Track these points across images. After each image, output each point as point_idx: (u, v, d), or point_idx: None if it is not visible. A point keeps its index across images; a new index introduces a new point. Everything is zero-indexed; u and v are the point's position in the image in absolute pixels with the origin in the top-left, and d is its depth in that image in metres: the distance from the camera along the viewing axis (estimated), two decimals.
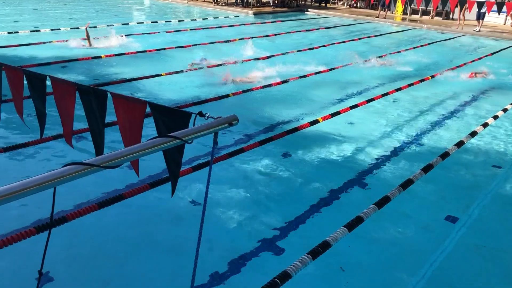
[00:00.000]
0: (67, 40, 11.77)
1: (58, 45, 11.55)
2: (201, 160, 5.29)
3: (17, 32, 12.89)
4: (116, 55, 10.72)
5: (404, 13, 22.54)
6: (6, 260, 3.53)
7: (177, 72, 9.49)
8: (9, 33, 12.70)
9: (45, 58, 9.88)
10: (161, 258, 3.76)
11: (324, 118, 6.88)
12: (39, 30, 13.46)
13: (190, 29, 15.35)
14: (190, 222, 4.18)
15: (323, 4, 25.80)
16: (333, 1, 26.88)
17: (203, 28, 15.76)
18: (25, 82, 3.28)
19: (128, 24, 15.76)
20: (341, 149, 6.15)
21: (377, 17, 21.08)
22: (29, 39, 11.83)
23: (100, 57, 10.41)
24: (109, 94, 2.61)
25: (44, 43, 11.52)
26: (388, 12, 21.99)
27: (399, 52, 13.53)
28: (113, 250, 3.85)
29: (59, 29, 13.85)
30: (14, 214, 4.03)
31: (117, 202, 4.22)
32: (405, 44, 15.26)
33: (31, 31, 13.23)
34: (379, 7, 21.56)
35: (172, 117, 2.29)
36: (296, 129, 6.45)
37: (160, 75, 9.15)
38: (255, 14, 20.70)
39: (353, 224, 3.81)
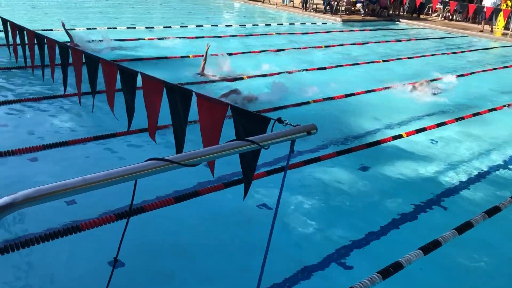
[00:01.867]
0: (159, 38, 12.39)
1: (152, 42, 12.18)
2: (276, 165, 5.29)
3: (115, 28, 13.79)
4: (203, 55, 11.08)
5: (506, 28, 21.03)
6: (85, 243, 3.76)
7: (259, 75, 9.60)
8: (108, 28, 13.63)
9: (138, 55, 10.46)
10: (227, 258, 3.80)
11: (409, 134, 6.59)
12: (135, 27, 14.30)
13: (276, 33, 15.49)
14: (258, 226, 4.19)
15: (416, 15, 24.82)
16: (427, 12, 25.77)
17: (289, 33, 15.83)
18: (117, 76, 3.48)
19: (217, 26, 16.25)
20: (422, 168, 5.85)
21: (481, 31, 19.88)
22: (125, 35, 12.61)
23: (188, 56, 10.82)
24: (193, 94, 2.69)
25: (138, 39, 12.22)
26: (488, 26, 20.63)
27: (496, 69, 12.64)
28: (181, 244, 3.96)
29: (153, 27, 14.62)
30: (95, 201, 4.27)
31: (192, 198, 4.35)
32: (502, 61, 14.22)
33: (127, 28, 14.09)
34: (482, 20, 20.27)
35: (251, 121, 2.30)
36: (377, 142, 6.24)
37: (242, 78, 9.31)
38: (344, 21, 20.40)
39: (430, 247, 3.61)
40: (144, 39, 12.42)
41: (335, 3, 22.27)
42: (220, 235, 4.15)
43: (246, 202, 4.49)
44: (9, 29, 6.04)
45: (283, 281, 3.53)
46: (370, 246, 4.14)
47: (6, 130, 5.64)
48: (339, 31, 17.80)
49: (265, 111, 7.01)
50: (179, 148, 2.96)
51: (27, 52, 5.58)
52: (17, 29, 5.50)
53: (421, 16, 24.86)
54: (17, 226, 3.77)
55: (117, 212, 3.88)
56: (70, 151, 5.22)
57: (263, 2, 24.94)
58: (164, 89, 2.96)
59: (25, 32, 5.32)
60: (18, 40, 5.71)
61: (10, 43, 6.39)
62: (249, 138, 1.88)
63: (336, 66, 11.03)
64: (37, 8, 17.03)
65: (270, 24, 18.04)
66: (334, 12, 22.10)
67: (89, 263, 3.52)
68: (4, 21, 5.99)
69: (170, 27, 14.82)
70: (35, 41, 5.00)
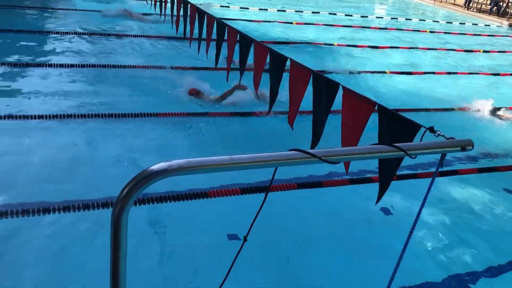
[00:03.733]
0: (307, 23, 12.45)
1: (300, 27, 12.30)
2: (405, 171, 5.01)
3: (266, 10, 14.19)
4: (348, 45, 10.88)
5: None
6: (210, 211, 4.00)
7: (404, 72, 9.12)
8: (260, 9, 14.08)
9: (285, 37, 10.65)
10: (340, 255, 3.73)
11: None
12: (284, 11, 14.56)
13: (430, 31, 14.52)
14: (377, 229, 4.05)
15: None
16: None
17: (445, 32, 14.72)
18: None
19: (367, 17, 15.78)
20: None
21: None
22: (275, 17, 12.91)
23: (332, 44, 10.71)
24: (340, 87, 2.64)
25: (286, 23, 12.42)
26: None
27: None
28: (297, 232, 3.97)
29: (302, 11, 14.72)
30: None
31: (315, 188, 4.35)
32: None
33: (278, 10, 14.40)
34: None
35: (398, 125, 2.19)
36: None
37: (385, 72, 8.95)
38: (511, 26, 18.32)
39: None
40: (292, 23, 12.59)
41: (504, 4, 20.06)
42: (337, 231, 4.09)
43: (367, 203, 4.35)
44: (175, 2, 6.57)
45: None
46: (500, 279, 3.74)
47: (161, 92, 6.22)
48: (504, 36, 16.02)
49: (403, 110, 6.65)
50: (315, 140, 2.95)
51: (187, 26, 6.03)
52: (182, 2, 5.95)
53: None
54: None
55: (242, 187, 4.05)
56: (209, 122, 5.56)
57: None
58: (311, 78, 2.96)
59: (188, 6, 5.74)
60: (181, 12, 6.21)
61: (173, 14, 6.96)
62: (396, 145, 1.79)
63: (493, 74, 9.99)
64: None
65: (424, 20, 16.97)
66: (502, 14, 19.93)
67: (210, 232, 3.74)
68: None
69: (319, 12, 14.79)
70: (196, 16, 5.37)
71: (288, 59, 3.28)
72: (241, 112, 5.80)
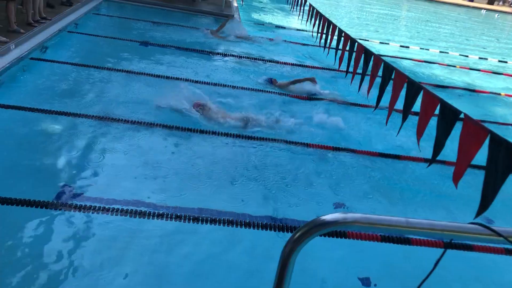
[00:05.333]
0: (472, 69, 11.67)
1: (464, 71, 11.60)
2: None
3: (427, 50, 13.66)
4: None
5: None
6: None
7: None
8: (420, 48, 13.62)
9: (449, 82, 10.12)
10: None
11: None
12: (447, 52, 13.85)
13: None
14: None
15: None
16: None
17: None
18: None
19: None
20: None
21: None
22: (437, 58, 12.36)
23: (499, 94, 9.83)
24: None
25: (451, 66, 11.80)
26: None
27: None
28: None
29: (467, 56, 13.84)
30: None
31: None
32: None
33: (440, 52, 13.76)
34: None
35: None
36: None
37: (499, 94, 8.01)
38: None
39: None
40: (455, 66, 11.91)
41: None
42: None
43: None
44: (342, 38, 6.70)
45: None
46: None
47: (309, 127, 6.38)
48: None
49: None
50: (483, 205, 2.74)
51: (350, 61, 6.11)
52: (350, 40, 6.05)
53: None
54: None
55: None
56: (354, 159, 5.52)
57: None
58: (488, 138, 2.77)
59: (356, 44, 5.81)
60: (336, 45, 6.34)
61: (338, 48, 7.10)
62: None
63: None
64: (360, 19, 18.38)
65: None
66: None
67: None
68: (340, 31, 6.68)
69: (487, 59, 13.74)
70: (363, 55, 5.41)
71: (462, 113, 3.12)
72: (384, 154, 5.65)
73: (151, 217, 3.83)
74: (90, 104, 5.84)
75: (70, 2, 10.25)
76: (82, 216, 3.74)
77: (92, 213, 3.78)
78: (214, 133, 5.58)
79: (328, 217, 1.63)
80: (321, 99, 7.41)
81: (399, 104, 4.27)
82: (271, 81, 7.71)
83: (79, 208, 3.80)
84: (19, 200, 3.73)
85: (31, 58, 6.99)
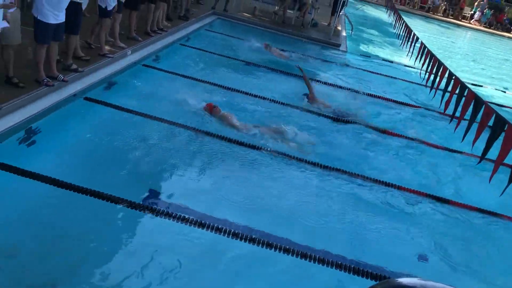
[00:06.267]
0: None
1: None
2: None
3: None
4: None
5: None
6: None
7: None
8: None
9: None
10: None
11: None
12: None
13: None
14: None
15: None
16: None
17: None
18: None
19: None
20: None
21: None
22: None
23: None
24: None
25: None
26: None
27: None
28: None
29: None
30: None
31: None
32: None
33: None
34: None
35: None
36: None
37: None
38: None
39: None
40: None
41: None
42: None
43: None
44: (451, 82, 6.32)
45: None
46: None
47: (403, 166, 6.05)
48: None
49: None
50: None
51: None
52: (460, 84, 5.68)
53: None
54: None
55: None
56: (445, 208, 5.12)
57: None
58: None
59: (466, 90, 5.42)
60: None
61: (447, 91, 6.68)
62: None
63: None
64: (476, 62, 17.32)
65: None
66: None
67: None
68: (450, 74, 6.30)
69: None
70: (472, 103, 5.03)
71: None
72: (492, 212, 5.15)
73: (226, 234, 3.86)
74: (191, 115, 6.03)
75: (187, 17, 10.90)
76: (165, 222, 3.86)
77: (174, 220, 3.89)
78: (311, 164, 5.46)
79: (405, 280, 1.47)
80: (412, 138, 6.96)
81: (508, 159, 3.89)
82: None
83: (164, 214, 3.93)
84: (109, 196, 3.95)
85: (143, 65, 7.50)
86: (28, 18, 5.37)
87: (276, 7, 13.79)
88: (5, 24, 4.47)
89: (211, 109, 6.07)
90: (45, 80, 5.30)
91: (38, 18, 5.04)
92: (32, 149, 4.61)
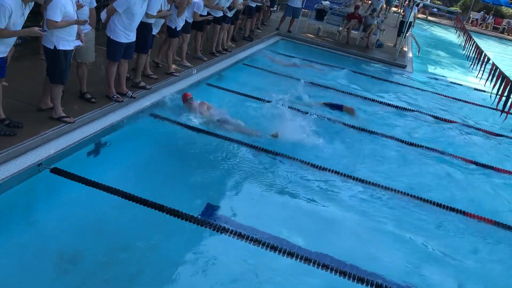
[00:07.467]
0: None
1: None
2: None
3: None
4: None
5: None
6: None
7: None
8: None
9: None
10: None
11: None
12: None
13: None
14: None
15: None
16: None
17: None
18: None
19: None
20: None
21: None
22: None
23: None
24: None
25: None
26: None
27: None
28: None
29: None
30: None
31: None
32: None
33: None
34: None
35: None
36: None
37: None
38: None
39: None
40: None
41: None
42: None
43: None
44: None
45: None
46: None
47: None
48: None
49: None
50: None
51: None
52: None
53: None
54: None
55: None
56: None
57: None
58: None
59: None
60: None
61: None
62: None
63: None
64: None
65: None
66: None
67: None
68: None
69: None
70: None
71: None
72: None
73: (276, 251, 3.81)
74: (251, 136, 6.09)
75: (251, 37, 11.10)
76: (227, 239, 3.87)
77: (230, 236, 3.88)
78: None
79: None
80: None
81: None
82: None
83: (220, 229, 3.95)
84: (169, 209, 4.03)
85: (207, 84, 7.68)
86: (102, 38, 5.69)
87: (340, 27, 13.72)
88: (78, 43, 4.77)
89: (185, 98, 6.27)
90: (115, 96, 5.58)
91: (111, 37, 5.35)
92: (99, 160, 4.83)
